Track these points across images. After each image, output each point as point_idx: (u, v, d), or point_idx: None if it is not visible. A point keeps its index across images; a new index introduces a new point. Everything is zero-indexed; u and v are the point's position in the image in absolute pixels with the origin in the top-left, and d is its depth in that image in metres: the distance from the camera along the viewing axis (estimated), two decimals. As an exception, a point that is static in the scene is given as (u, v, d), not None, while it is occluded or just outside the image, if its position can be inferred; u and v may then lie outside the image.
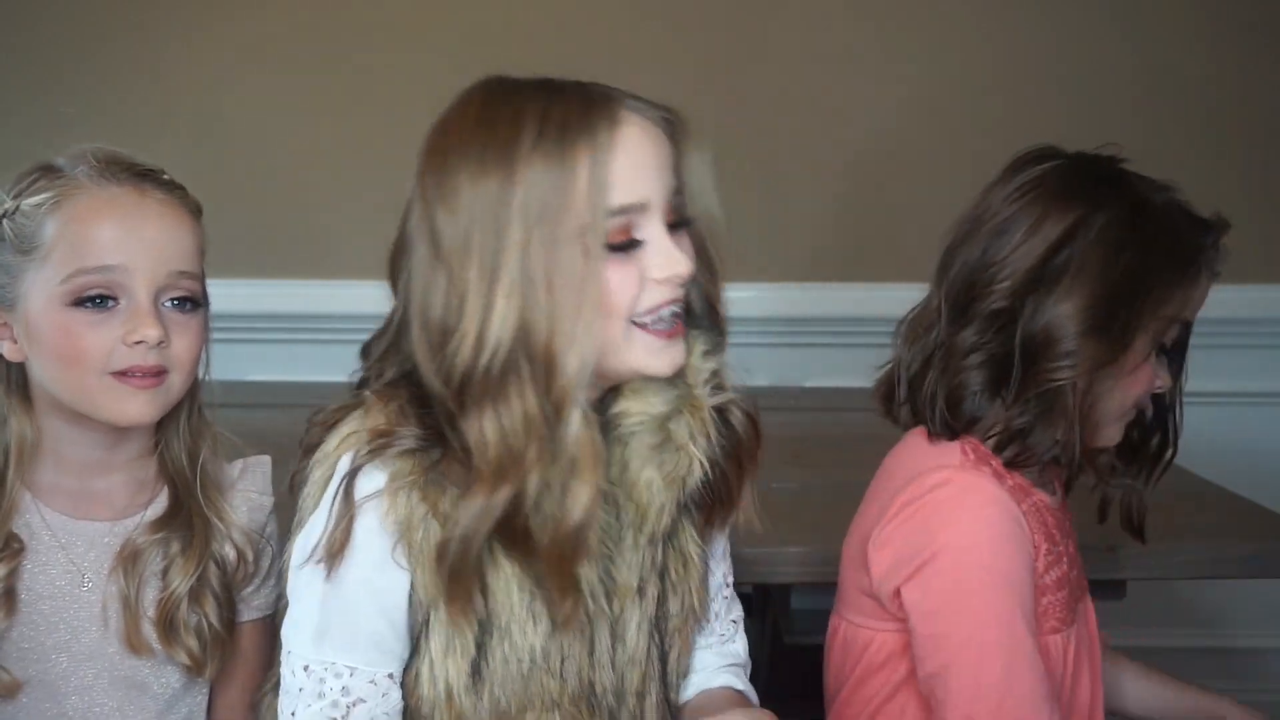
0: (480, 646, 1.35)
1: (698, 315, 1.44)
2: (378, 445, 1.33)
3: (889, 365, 1.65)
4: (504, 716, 1.36)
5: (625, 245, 1.31)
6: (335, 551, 1.33)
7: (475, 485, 1.30)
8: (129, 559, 1.51)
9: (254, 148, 2.87)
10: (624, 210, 1.31)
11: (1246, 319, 3.01)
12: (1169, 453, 1.68)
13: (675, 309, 1.36)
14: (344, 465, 1.34)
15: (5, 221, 1.50)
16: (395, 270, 1.39)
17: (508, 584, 1.35)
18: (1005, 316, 1.54)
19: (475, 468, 1.31)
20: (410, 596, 1.35)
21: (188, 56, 2.88)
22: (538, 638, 1.36)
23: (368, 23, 2.92)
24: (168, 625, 1.51)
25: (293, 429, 1.45)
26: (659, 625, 1.44)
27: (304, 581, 1.36)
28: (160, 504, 1.55)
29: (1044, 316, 1.52)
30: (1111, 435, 1.59)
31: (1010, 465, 1.56)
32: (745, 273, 3.00)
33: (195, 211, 1.54)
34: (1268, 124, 3.02)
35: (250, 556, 1.56)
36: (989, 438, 1.57)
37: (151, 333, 1.46)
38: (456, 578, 1.32)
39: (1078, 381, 1.51)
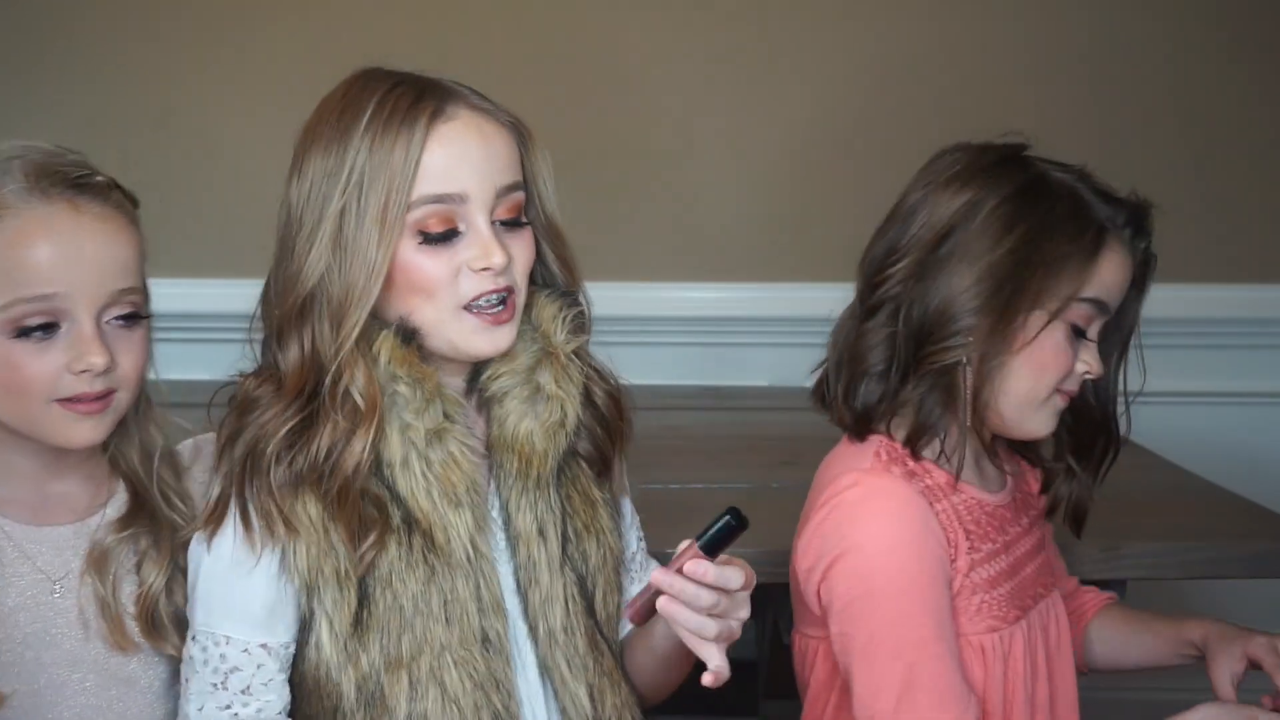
0: (364, 598, 1.44)
1: (559, 283, 1.55)
2: (240, 428, 1.47)
3: (822, 364, 1.68)
4: (396, 664, 1.43)
5: (444, 235, 1.44)
6: (209, 523, 1.46)
7: (270, 404, 1.46)
8: (98, 560, 1.49)
9: (237, 150, 2.88)
10: (439, 199, 1.43)
11: (1246, 319, 3.01)
12: (1111, 453, 1.68)
13: (501, 295, 1.46)
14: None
15: None
16: None
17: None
18: (902, 301, 1.57)
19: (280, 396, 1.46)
20: (282, 564, 1.43)
21: (186, 63, 2.89)
22: (416, 584, 1.44)
23: (370, 23, 2.93)
24: (150, 620, 1.50)
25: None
26: (574, 565, 1.52)
27: (191, 553, 1.49)
28: (119, 501, 1.53)
29: (935, 297, 1.55)
30: (1037, 424, 1.59)
31: (916, 455, 1.57)
32: (746, 273, 3.01)
33: (133, 216, 1.50)
34: (1267, 124, 3.02)
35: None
36: (897, 429, 1.59)
37: (98, 360, 1.43)
38: (250, 477, 1.43)
39: (967, 360, 1.54)
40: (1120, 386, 1.67)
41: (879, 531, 1.53)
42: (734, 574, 1.37)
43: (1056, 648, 1.66)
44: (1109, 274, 1.56)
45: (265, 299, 1.51)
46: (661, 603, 1.36)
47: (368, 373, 1.44)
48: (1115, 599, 1.83)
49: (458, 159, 1.44)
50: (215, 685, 1.45)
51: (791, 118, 3.00)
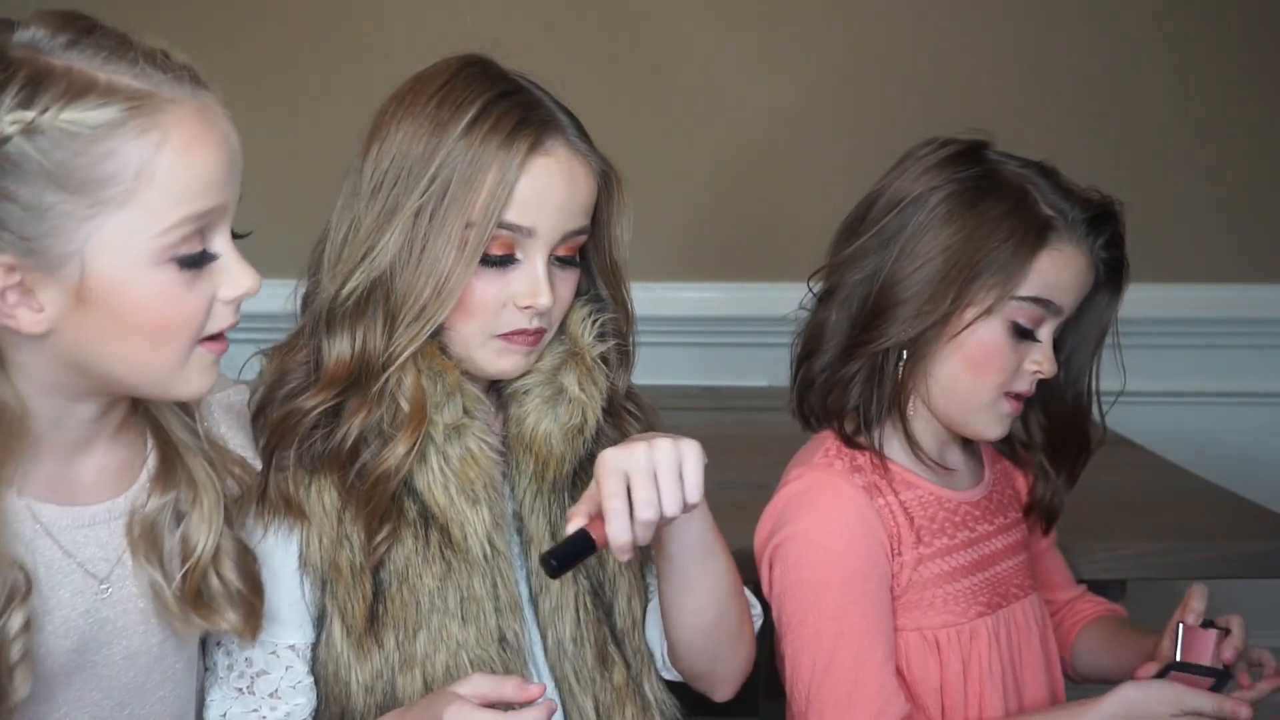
0: (378, 593, 1.41)
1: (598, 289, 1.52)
2: (268, 401, 1.44)
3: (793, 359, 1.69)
4: (410, 662, 1.41)
5: (501, 259, 1.41)
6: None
7: (304, 390, 1.42)
8: (147, 538, 1.29)
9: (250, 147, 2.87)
10: (509, 227, 1.40)
11: (1246, 319, 3.01)
12: (1083, 457, 1.68)
13: (534, 337, 1.44)
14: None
15: (22, 142, 1.13)
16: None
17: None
18: (850, 288, 1.58)
19: (317, 379, 1.43)
20: (301, 558, 1.41)
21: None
22: (433, 580, 1.41)
23: (376, 26, 2.93)
24: (200, 596, 1.32)
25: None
26: (589, 573, 1.48)
27: None
28: (150, 468, 1.32)
29: (877, 286, 1.56)
30: (984, 425, 1.58)
31: (861, 447, 1.58)
32: (746, 273, 3.01)
33: None
34: (1267, 125, 3.02)
35: (249, 477, 1.38)
36: (848, 423, 1.59)
37: (254, 284, 1.22)
38: (268, 452, 1.41)
39: (898, 349, 1.55)
40: (1096, 388, 1.65)
41: (813, 523, 1.54)
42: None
43: (1027, 647, 1.65)
44: (1052, 273, 1.54)
45: (318, 255, 1.46)
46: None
47: (416, 377, 1.41)
48: (1117, 611, 1.82)
49: (540, 196, 1.40)
50: (241, 690, 1.41)
51: (791, 118, 3.00)
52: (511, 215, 1.39)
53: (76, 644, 1.28)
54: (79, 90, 1.14)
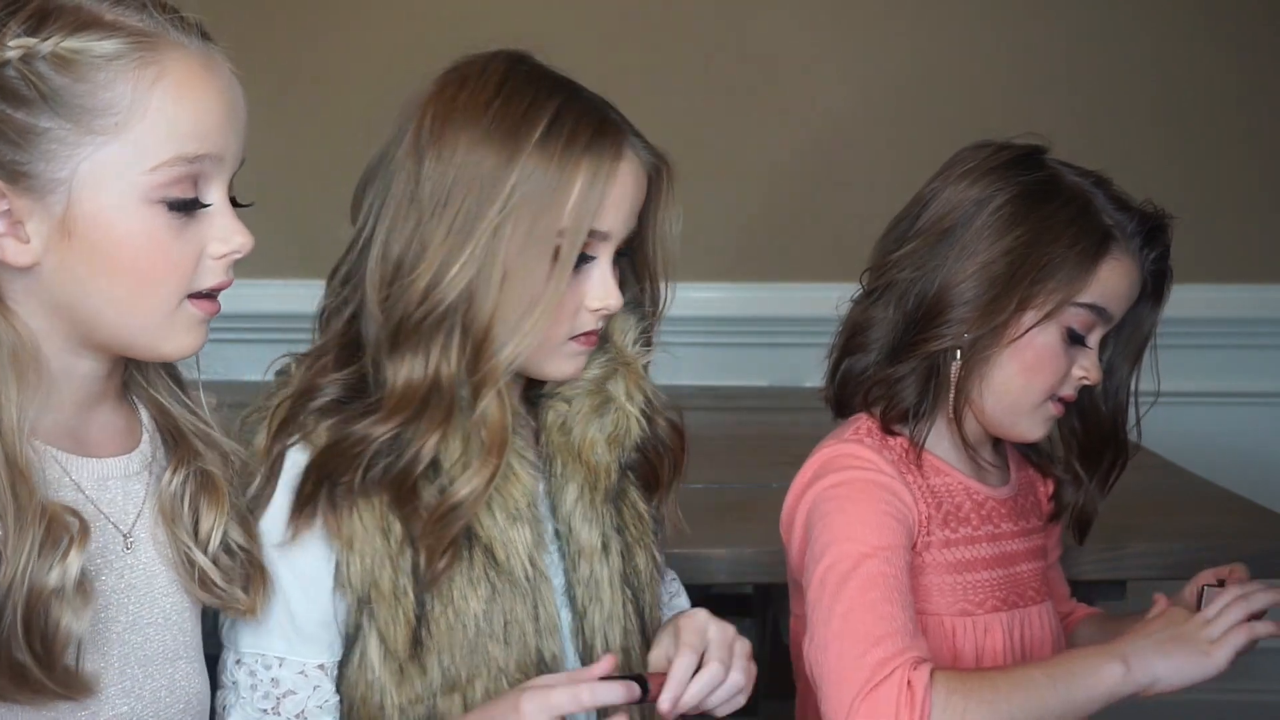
0: (421, 616, 1.36)
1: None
2: (296, 411, 1.36)
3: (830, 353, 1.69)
4: (455, 686, 1.37)
5: (578, 264, 1.37)
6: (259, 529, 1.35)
7: (368, 414, 1.35)
8: (167, 510, 1.28)
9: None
10: (593, 233, 1.37)
11: (1246, 319, 3.01)
12: (1118, 465, 1.69)
13: (600, 324, 1.42)
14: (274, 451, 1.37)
15: (22, 67, 1.14)
16: (361, 193, 1.42)
17: None
18: (902, 286, 1.59)
19: (379, 402, 1.36)
20: (336, 577, 1.36)
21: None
22: (479, 603, 1.37)
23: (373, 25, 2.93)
24: (215, 569, 1.30)
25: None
26: (629, 581, 1.47)
27: None
28: (146, 439, 1.30)
29: (933, 286, 1.57)
30: (1028, 428, 1.60)
31: (893, 433, 1.59)
32: (746, 273, 3.01)
33: None
34: (1267, 124, 3.02)
35: (240, 456, 1.36)
36: (876, 407, 1.60)
37: (248, 241, 1.21)
38: (321, 479, 1.34)
39: (955, 350, 1.56)
40: (1135, 396, 1.67)
41: (849, 474, 1.55)
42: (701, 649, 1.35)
43: (1040, 652, 1.64)
44: (1110, 282, 1.57)
45: (345, 273, 1.41)
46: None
47: (500, 401, 1.36)
48: (1100, 613, 1.82)
49: (618, 200, 1.38)
50: (266, 711, 1.36)
51: (792, 118, 3.00)
52: (598, 221, 1.37)
53: (106, 599, 1.24)
54: (84, 23, 1.15)
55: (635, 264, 1.46)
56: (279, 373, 1.44)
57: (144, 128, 1.15)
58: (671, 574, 1.61)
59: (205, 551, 1.29)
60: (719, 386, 2.94)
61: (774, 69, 2.99)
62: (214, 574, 1.29)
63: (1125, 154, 2.95)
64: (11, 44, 1.14)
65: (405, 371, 1.35)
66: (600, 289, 1.39)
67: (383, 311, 1.36)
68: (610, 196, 1.37)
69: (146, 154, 1.16)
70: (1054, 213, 1.56)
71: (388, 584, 1.36)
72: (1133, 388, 1.67)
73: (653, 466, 1.50)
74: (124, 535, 1.26)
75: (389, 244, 1.37)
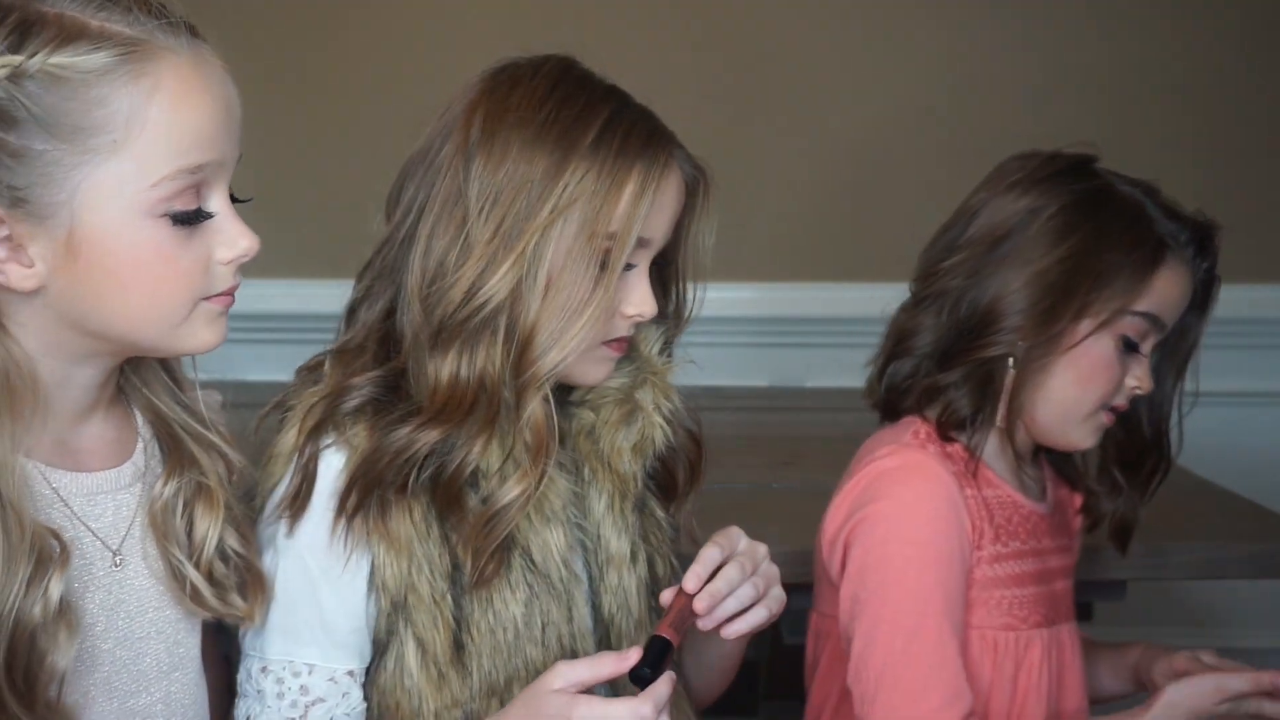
0: (460, 620, 1.35)
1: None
2: (331, 411, 1.34)
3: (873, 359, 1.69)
4: (493, 690, 1.36)
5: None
6: (290, 516, 1.34)
7: (411, 418, 1.33)
8: (158, 522, 1.25)
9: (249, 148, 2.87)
10: (639, 240, 1.36)
11: (1246, 319, 3.01)
12: (1160, 471, 1.69)
13: (631, 330, 1.41)
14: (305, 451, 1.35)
15: (9, 86, 1.10)
16: (399, 190, 1.40)
17: None
18: (953, 295, 1.59)
19: (420, 405, 1.34)
20: (371, 582, 1.34)
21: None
22: (518, 605, 1.36)
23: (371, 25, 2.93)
24: (211, 581, 1.28)
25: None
26: (652, 590, 1.46)
27: (263, 559, 1.35)
28: (147, 447, 1.28)
29: (986, 295, 1.57)
30: (1080, 436, 1.60)
31: (948, 439, 1.59)
32: (746, 273, 3.01)
33: None
34: (1267, 123, 3.02)
35: (238, 461, 1.33)
36: (929, 412, 1.60)
37: (254, 244, 1.19)
38: (369, 486, 1.32)
39: (1010, 357, 1.56)
40: (1180, 403, 1.67)
41: (907, 500, 1.55)
42: (730, 547, 1.35)
43: (1070, 669, 1.66)
44: (1166, 290, 1.57)
45: (380, 268, 1.39)
46: (703, 607, 1.32)
47: (545, 405, 1.35)
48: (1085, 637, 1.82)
49: (663, 208, 1.38)
50: (294, 719, 1.35)
51: (796, 117, 3.00)
52: (645, 229, 1.36)
53: (94, 617, 1.22)
54: (70, 35, 1.11)
55: (663, 273, 1.45)
56: (307, 369, 1.42)
57: (143, 144, 1.12)
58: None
59: (200, 559, 1.27)
60: (719, 386, 2.94)
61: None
62: (206, 589, 1.27)
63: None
64: None
65: (448, 371, 1.33)
66: (638, 296, 1.38)
67: (424, 310, 1.34)
68: (658, 204, 1.36)
69: (147, 170, 1.13)
70: (1108, 221, 1.56)
71: (426, 589, 1.34)
72: (1177, 397, 1.67)
73: (671, 475, 1.49)
74: (113, 552, 1.23)
75: (433, 241, 1.35)
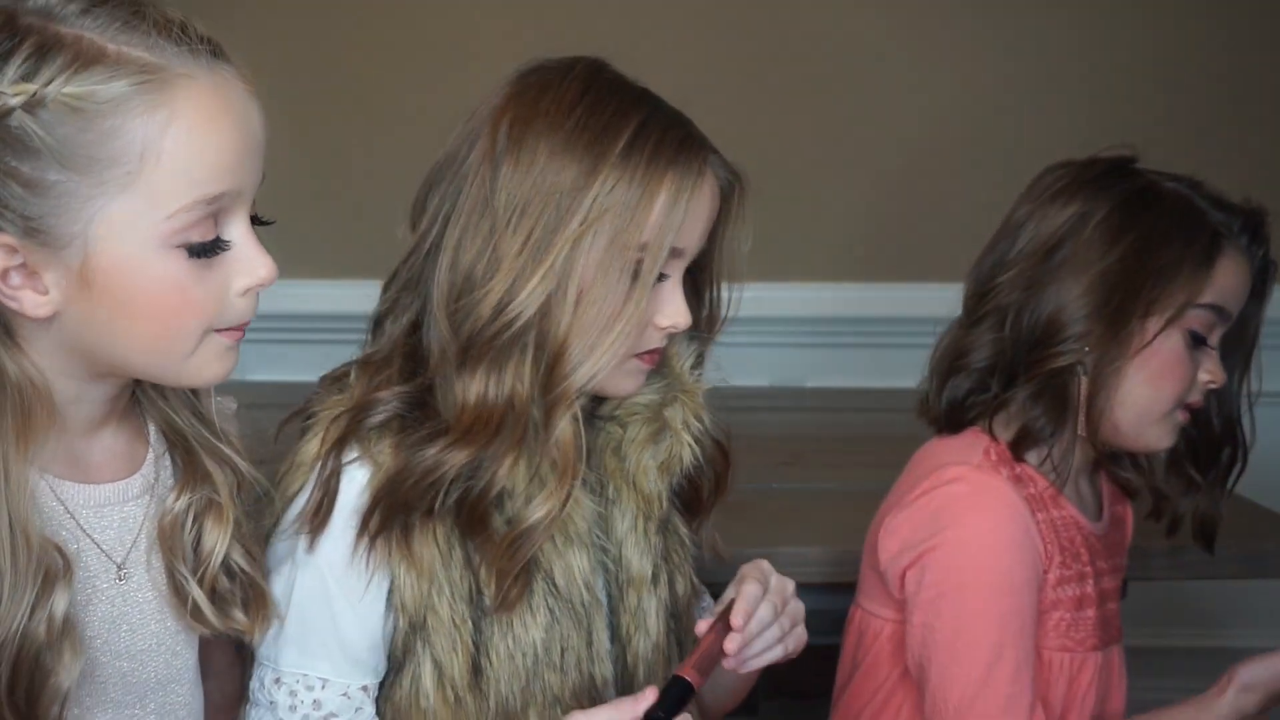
0: (479, 644, 1.33)
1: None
2: (355, 426, 1.32)
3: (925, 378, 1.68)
4: (510, 715, 1.34)
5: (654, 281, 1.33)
6: (310, 531, 1.32)
7: (438, 438, 1.30)
8: (165, 535, 1.24)
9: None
10: (672, 250, 1.33)
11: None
12: (1238, 463, 1.68)
13: (664, 342, 1.38)
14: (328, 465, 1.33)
15: (24, 116, 1.08)
16: (425, 197, 1.37)
17: None
18: (1010, 309, 1.57)
19: (447, 423, 1.31)
20: (389, 601, 1.33)
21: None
22: (538, 630, 1.34)
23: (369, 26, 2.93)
24: (214, 596, 1.26)
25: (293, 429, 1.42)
26: (672, 611, 1.44)
27: (279, 588, 1.33)
28: (151, 459, 1.27)
29: (1046, 306, 1.55)
30: (1156, 437, 1.59)
31: (1020, 459, 1.57)
32: (745, 273, 3.00)
33: None
34: (1267, 124, 3.02)
35: (249, 473, 1.31)
36: (1000, 429, 1.58)
37: (273, 274, 1.17)
38: (393, 508, 1.30)
39: (1081, 366, 1.54)
40: (1248, 390, 1.67)
41: (983, 529, 1.53)
42: (762, 590, 1.34)
43: (1116, 691, 1.65)
44: (1227, 280, 1.56)
45: (407, 278, 1.36)
46: (733, 648, 1.30)
47: (574, 423, 1.32)
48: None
49: (696, 217, 1.34)
50: None
51: (797, 120, 3.00)
52: (679, 239, 1.33)
53: (96, 630, 1.21)
54: (86, 61, 1.09)
55: (696, 279, 1.42)
56: (332, 378, 1.39)
57: (158, 176, 1.10)
58: (704, 591, 1.57)
59: (204, 575, 1.25)
60: (720, 387, 2.93)
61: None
62: (206, 607, 1.25)
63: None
64: (11, 91, 1.08)
65: (476, 390, 1.30)
66: (671, 307, 1.35)
67: (451, 325, 1.31)
68: (691, 213, 1.33)
69: (163, 202, 1.11)
70: (1161, 217, 1.55)
71: (446, 612, 1.32)
72: (1245, 388, 1.66)
73: (697, 490, 1.47)
74: (117, 565, 1.23)
75: (459, 253, 1.32)
